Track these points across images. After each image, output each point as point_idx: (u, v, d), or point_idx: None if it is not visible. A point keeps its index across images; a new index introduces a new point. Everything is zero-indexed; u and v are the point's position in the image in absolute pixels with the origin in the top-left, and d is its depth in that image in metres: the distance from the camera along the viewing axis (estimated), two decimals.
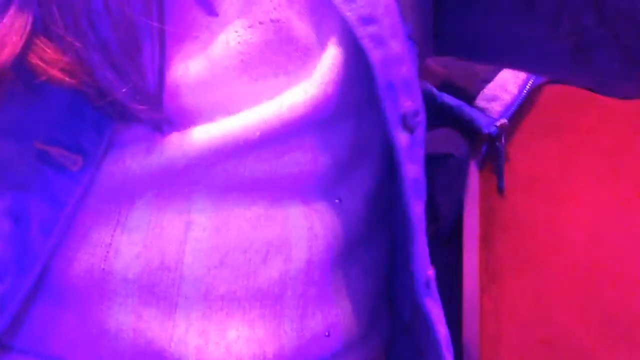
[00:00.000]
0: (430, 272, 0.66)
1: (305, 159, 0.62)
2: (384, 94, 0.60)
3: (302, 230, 0.63)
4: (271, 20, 0.60)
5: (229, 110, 0.59)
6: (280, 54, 0.60)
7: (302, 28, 0.60)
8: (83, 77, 0.55)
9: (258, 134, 0.59)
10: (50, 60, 0.55)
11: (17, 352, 0.62)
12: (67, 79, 0.55)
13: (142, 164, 0.59)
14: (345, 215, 0.65)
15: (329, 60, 0.60)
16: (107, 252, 0.60)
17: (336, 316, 0.66)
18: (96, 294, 0.60)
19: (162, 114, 0.57)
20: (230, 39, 0.59)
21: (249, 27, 0.59)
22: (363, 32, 0.59)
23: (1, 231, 0.60)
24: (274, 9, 0.60)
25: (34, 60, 0.54)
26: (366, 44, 0.59)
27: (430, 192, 1.10)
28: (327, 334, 0.65)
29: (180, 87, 0.58)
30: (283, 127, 0.60)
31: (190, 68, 0.59)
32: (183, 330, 0.61)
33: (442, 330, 0.66)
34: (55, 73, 0.54)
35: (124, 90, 0.55)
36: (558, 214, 1.02)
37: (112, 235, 0.60)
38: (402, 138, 0.61)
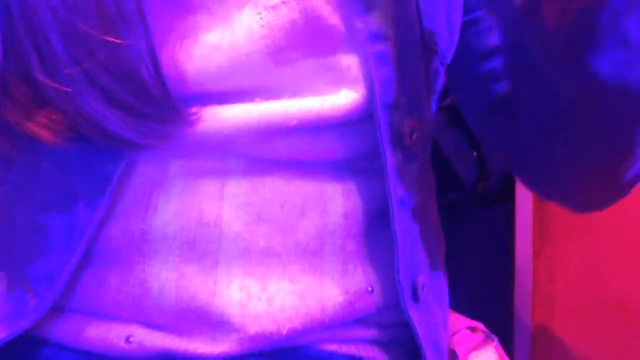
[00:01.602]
0: (421, 278, 0.66)
1: (339, 147, 0.63)
2: (379, 112, 0.61)
3: (337, 186, 0.64)
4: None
5: (269, 95, 0.60)
6: (307, 35, 0.60)
7: (329, 10, 0.60)
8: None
9: (295, 122, 0.60)
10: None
11: (69, 311, 0.63)
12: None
13: (177, 137, 0.59)
14: (378, 183, 0.65)
15: (358, 64, 0.61)
16: (146, 212, 0.61)
17: (377, 272, 0.66)
18: (138, 254, 0.61)
19: (179, 113, 0.58)
20: (253, 22, 0.59)
21: (272, 7, 0.59)
22: (371, 49, 0.60)
23: (50, 209, 0.61)
24: None
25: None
26: (371, 61, 0.61)
27: (479, 149, 1.10)
28: (370, 289, 0.66)
29: (202, 76, 0.58)
30: (321, 121, 0.61)
31: (210, 58, 0.58)
32: (225, 286, 0.62)
33: (425, 345, 0.66)
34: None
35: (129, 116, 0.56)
36: None
37: (149, 197, 0.61)
38: (392, 156, 0.62)
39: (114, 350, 0.62)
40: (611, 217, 1.01)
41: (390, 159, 0.62)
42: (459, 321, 0.85)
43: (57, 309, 0.63)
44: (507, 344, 0.87)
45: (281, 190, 0.62)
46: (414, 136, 0.64)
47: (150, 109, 0.57)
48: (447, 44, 0.67)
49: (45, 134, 0.57)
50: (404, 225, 0.64)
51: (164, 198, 0.61)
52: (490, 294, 1.08)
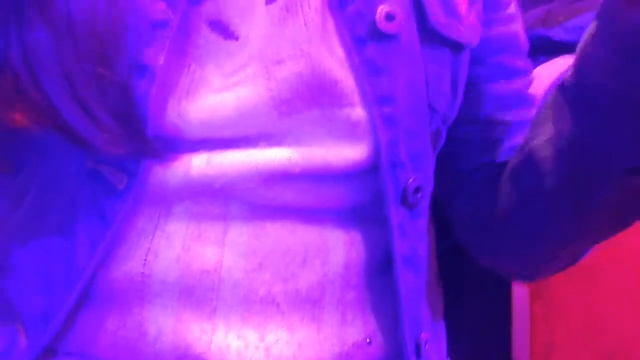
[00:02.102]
0: (424, 335, 0.66)
1: (342, 196, 0.64)
2: (384, 170, 0.63)
3: (340, 235, 0.64)
4: (301, 56, 0.60)
5: (273, 142, 0.61)
6: (313, 88, 0.61)
7: (336, 67, 0.61)
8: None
9: (299, 170, 0.61)
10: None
11: (62, 355, 0.62)
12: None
13: (182, 180, 0.60)
14: (381, 233, 0.65)
15: (364, 123, 0.62)
16: (147, 256, 0.61)
17: (377, 323, 0.66)
18: (137, 298, 0.61)
19: (153, 151, 0.59)
20: (259, 76, 0.60)
21: (278, 62, 0.60)
22: (377, 112, 0.62)
23: (50, 245, 0.61)
24: (305, 42, 0.61)
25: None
26: (379, 122, 0.62)
27: None
28: (368, 341, 0.65)
29: (208, 125, 0.59)
30: (325, 171, 0.62)
31: (217, 109, 0.59)
32: (223, 334, 0.61)
33: None
34: None
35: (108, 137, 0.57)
36: None
37: (152, 241, 0.61)
38: (397, 214, 0.64)
39: None
40: (610, 262, 1.00)
41: (395, 216, 0.64)
42: None
43: (50, 352, 0.62)
44: None
45: (284, 239, 0.62)
46: (419, 194, 0.65)
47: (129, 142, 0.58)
48: (450, 106, 0.69)
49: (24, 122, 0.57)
50: (407, 281, 0.65)
51: (165, 243, 0.61)
52: (488, 344, 1.07)
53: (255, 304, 0.62)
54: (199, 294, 0.61)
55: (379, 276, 0.66)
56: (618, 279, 1.01)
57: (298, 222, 0.63)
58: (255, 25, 0.60)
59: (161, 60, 0.57)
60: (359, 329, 0.65)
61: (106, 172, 0.59)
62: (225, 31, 0.60)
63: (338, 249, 0.64)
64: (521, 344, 1.03)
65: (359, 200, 0.65)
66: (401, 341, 0.65)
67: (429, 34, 0.66)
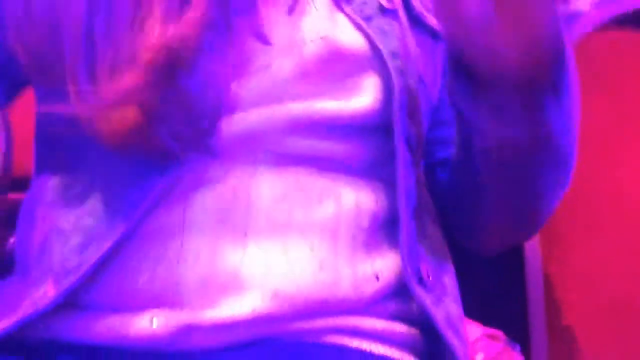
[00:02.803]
0: (424, 266, 0.73)
1: (354, 152, 0.73)
2: (396, 116, 0.72)
3: (350, 185, 0.73)
4: (321, 38, 0.72)
5: (295, 98, 0.71)
6: (333, 64, 0.72)
7: (353, 40, 0.73)
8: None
9: (317, 118, 0.71)
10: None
11: (88, 307, 0.68)
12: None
13: (218, 130, 0.69)
14: (388, 191, 0.73)
15: (377, 79, 0.73)
16: (187, 195, 0.69)
17: (382, 265, 0.72)
18: (179, 227, 0.69)
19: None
20: (288, 57, 0.71)
21: (302, 45, 0.72)
22: (392, 64, 0.73)
23: (96, 213, 0.69)
24: (321, 28, 0.73)
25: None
26: (393, 72, 0.73)
27: None
28: (377, 277, 0.72)
29: (248, 96, 0.70)
30: (340, 121, 0.72)
31: (252, 84, 0.70)
32: (253, 252, 0.69)
33: (438, 313, 0.73)
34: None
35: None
36: (615, 172, 1.01)
37: (189, 191, 0.69)
38: (404, 155, 0.73)
39: (136, 336, 0.67)
40: (619, 218, 1.02)
41: (401, 157, 0.72)
42: (476, 329, 0.85)
43: (74, 305, 0.68)
44: (524, 351, 0.87)
45: (302, 180, 0.71)
46: (419, 139, 0.74)
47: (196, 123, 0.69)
48: (432, 85, 0.79)
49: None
50: (408, 217, 0.72)
51: (200, 195, 0.69)
52: (503, 303, 1.08)
53: (280, 227, 0.70)
54: (232, 218, 0.69)
55: (386, 226, 0.73)
56: (625, 234, 1.02)
57: (314, 170, 0.72)
58: (280, 28, 0.73)
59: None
60: (367, 267, 0.72)
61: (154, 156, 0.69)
62: (264, 39, 0.72)
63: (349, 195, 0.72)
64: (536, 303, 1.05)
65: (368, 157, 0.73)
66: (404, 273, 0.71)
67: (414, 20, 0.79)
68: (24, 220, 0.75)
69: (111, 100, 0.67)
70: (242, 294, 0.68)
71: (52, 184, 0.74)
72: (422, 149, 0.77)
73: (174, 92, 0.69)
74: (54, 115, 0.72)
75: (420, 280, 0.73)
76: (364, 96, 0.72)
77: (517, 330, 0.90)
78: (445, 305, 0.75)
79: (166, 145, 0.68)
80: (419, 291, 0.72)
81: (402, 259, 0.72)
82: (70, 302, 0.69)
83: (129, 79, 0.67)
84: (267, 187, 0.71)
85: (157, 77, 0.68)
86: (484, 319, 0.88)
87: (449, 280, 0.78)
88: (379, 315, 0.73)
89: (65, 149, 0.74)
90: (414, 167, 0.75)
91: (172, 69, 0.68)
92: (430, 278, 0.74)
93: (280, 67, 0.71)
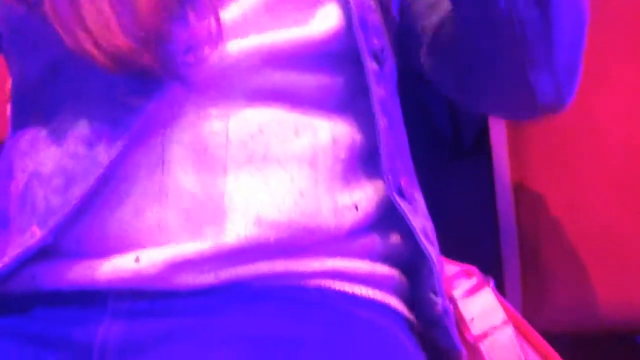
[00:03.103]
0: (403, 181, 0.76)
1: (324, 82, 0.76)
2: (358, 32, 0.75)
3: (325, 118, 0.75)
4: None
5: (259, 29, 0.74)
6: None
7: None
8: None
9: (285, 47, 0.74)
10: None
11: (73, 243, 0.70)
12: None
13: (193, 61, 0.71)
14: (362, 122, 0.77)
15: (337, 8, 0.76)
16: (164, 131, 0.71)
17: (360, 195, 0.75)
18: (159, 164, 0.71)
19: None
20: None
21: None
22: None
23: (75, 153, 0.70)
24: None
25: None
26: None
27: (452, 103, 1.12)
28: (356, 207, 0.74)
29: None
30: (306, 47, 0.75)
31: (226, 15, 0.73)
32: (233, 183, 0.71)
33: (416, 223, 0.76)
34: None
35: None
36: (589, 100, 1.00)
37: (166, 128, 0.72)
38: (373, 66, 0.76)
39: (121, 276, 0.68)
40: (594, 149, 1.02)
41: (370, 67, 0.75)
42: (452, 266, 0.85)
43: (59, 252, 0.70)
44: (498, 284, 0.87)
45: (277, 114, 0.74)
46: (384, 53, 0.78)
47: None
48: None
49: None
50: (384, 128, 0.76)
51: (177, 130, 0.72)
52: (476, 239, 1.09)
53: (259, 161, 0.72)
54: (211, 153, 0.71)
55: (365, 158, 0.76)
56: (599, 164, 1.03)
57: (289, 104, 0.74)
58: None
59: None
60: (346, 197, 0.74)
61: (130, 91, 0.70)
62: None
63: (324, 127, 0.75)
64: (509, 238, 1.05)
65: (341, 88, 0.77)
66: (385, 181, 0.75)
67: None
68: (1, 177, 0.75)
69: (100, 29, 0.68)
70: (225, 223, 0.70)
71: (27, 137, 0.74)
72: (393, 57, 0.80)
73: (161, 19, 0.69)
74: (33, 60, 0.74)
75: (400, 192, 0.75)
76: (325, 21, 0.75)
77: (490, 264, 0.90)
78: (420, 218, 0.78)
79: (149, 68, 0.69)
80: (399, 201, 0.75)
81: (383, 168, 0.75)
82: (55, 249, 0.69)
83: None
84: (243, 121, 0.73)
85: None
86: (458, 256, 0.89)
87: (420, 199, 0.80)
88: (361, 256, 0.75)
89: (39, 100, 0.74)
90: (386, 78, 0.78)
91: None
92: (408, 190, 0.76)
93: (246, 1, 0.74)
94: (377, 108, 0.75)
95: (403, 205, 0.75)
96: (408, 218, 0.75)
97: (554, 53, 0.78)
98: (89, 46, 0.68)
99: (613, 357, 1.18)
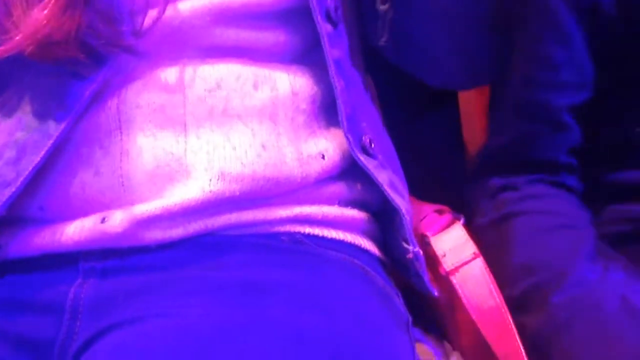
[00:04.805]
0: (367, 137, 0.76)
1: (280, 39, 0.76)
2: None
3: (284, 70, 0.76)
4: None
5: None
6: None
7: None
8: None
9: (238, 4, 0.73)
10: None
11: (36, 209, 0.70)
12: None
13: (145, 28, 0.71)
14: (320, 73, 0.76)
15: None
16: (118, 98, 0.71)
17: (326, 145, 0.76)
18: (117, 127, 0.71)
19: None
20: None
21: None
22: None
23: (26, 125, 0.70)
24: None
25: None
26: None
27: None
28: (322, 156, 0.75)
29: None
30: (257, 7, 0.74)
31: None
32: (194, 140, 0.71)
33: (382, 178, 0.76)
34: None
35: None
36: None
37: (120, 88, 0.71)
38: (326, 28, 0.75)
39: (88, 238, 0.68)
40: None
41: (324, 30, 0.75)
42: (425, 207, 0.86)
43: (21, 218, 0.70)
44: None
45: (234, 69, 0.73)
46: (338, 12, 0.77)
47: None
48: None
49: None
50: (341, 87, 0.75)
51: (131, 84, 0.71)
52: (447, 184, 1.10)
53: (219, 116, 0.72)
54: (168, 112, 0.71)
55: (328, 108, 0.76)
56: None
57: (246, 59, 0.74)
58: None
59: None
60: (312, 146, 0.75)
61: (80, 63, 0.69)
62: None
63: (283, 79, 0.75)
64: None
65: (297, 44, 0.76)
66: (346, 140, 0.74)
67: None
68: None
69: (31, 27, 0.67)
70: (190, 179, 0.70)
71: None
72: (348, 16, 0.79)
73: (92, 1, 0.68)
74: None
75: (364, 149, 0.75)
76: None
77: (461, 204, 0.91)
78: (388, 172, 0.77)
79: (89, 46, 0.68)
80: (362, 158, 0.75)
81: (343, 127, 0.74)
82: (17, 216, 0.70)
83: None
84: (199, 78, 0.72)
85: None
86: (430, 197, 0.90)
87: (389, 153, 0.81)
88: (330, 202, 0.76)
89: None
90: (342, 38, 0.77)
91: None
92: (373, 146, 0.76)
93: None
94: (332, 70, 0.74)
95: (366, 161, 0.75)
96: (372, 174, 0.75)
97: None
98: (17, 35, 0.67)
99: None
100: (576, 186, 0.85)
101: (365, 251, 0.77)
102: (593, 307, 0.73)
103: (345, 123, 0.74)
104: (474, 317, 0.78)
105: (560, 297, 0.74)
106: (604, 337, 0.71)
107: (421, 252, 0.78)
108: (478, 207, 0.87)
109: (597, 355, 0.71)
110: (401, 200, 0.77)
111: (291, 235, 0.72)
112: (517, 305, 0.77)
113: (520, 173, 0.84)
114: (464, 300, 0.79)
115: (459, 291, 0.79)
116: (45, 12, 0.67)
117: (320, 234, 0.74)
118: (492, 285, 0.79)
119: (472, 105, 1.04)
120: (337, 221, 0.75)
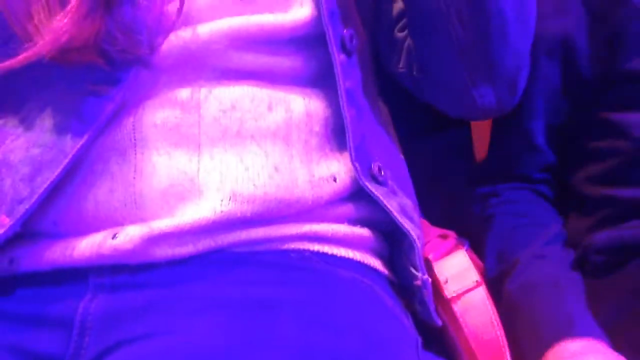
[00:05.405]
0: (377, 165, 0.77)
1: (296, 64, 0.77)
2: (326, 20, 0.75)
3: (299, 93, 0.76)
4: None
5: (233, 14, 0.75)
6: None
7: None
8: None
9: (255, 30, 0.75)
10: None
11: (50, 224, 0.71)
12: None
13: (163, 48, 0.72)
14: (333, 98, 0.77)
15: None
16: (135, 112, 0.72)
17: (338, 167, 0.76)
18: (131, 145, 0.71)
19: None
20: None
21: None
22: None
23: (43, 142, 0.71)
24: None
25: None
26: None
27: None
28: (334, 179, 0.75)
29: (192, 10, 0.74)
30: (277, 33, 0.75)
31: (191, 1, 0.74)
32: (208, 160, 0.71)
33: (392, 204, 0.77)
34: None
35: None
36: None
37: (137, 109, 0.72)
38: (340, 58, 0.76)
39: (102, 252, 0.68)
40: None
41: (337, 60, 0.76)
42: (430, 231, 0.87)
43: (35, 233, 0.70)
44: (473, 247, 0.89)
45: (249, 91, 0.74)
46: (354, 41, 0.78)
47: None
48: None
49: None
50: (352, 116, 0.76)
51: (148, 111, 0.72)
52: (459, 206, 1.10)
53: (232, 137, 0.72)
54: (183, 131, 0.72)
55: (338, 134, 0.77)
56: None
57: (261, 82, 0.75)
58: None
59: None
60: (324, 169, 0.75)
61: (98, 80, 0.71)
62: None
63: (298, 102, 0.75)
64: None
65: (312, 68, 0.77)
66: (354, 168, 0.75)
67: None
68: None
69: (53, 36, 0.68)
70: (201, 199, 0.70)
71: None
72: (362, 39, 0.80)
73: (113, 12, 0.69)
74: None
75: (373, 177, 0.76)
76: (296, 8, 0.76)
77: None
78: (399, 198, 0.78)
79: (109, 59, 0.69)
80: (370, 185, 0.75)
81: (350, 157, 0.75)
82: (31, 230, 0.70)
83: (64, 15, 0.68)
84: (215, 99, 0.73)
85: (92, 5, 0.68)
86: (437, 222, 0.91)
87: (402, 178, 0.81)
88: (339, 221, 0.76)
89: (6, 90, 0.74)
90: (355, 67, 0.78)
91: None
92: (383, 173, 0.77)
93: None
94: (343, 100, 0.75)
95: (375, 189, 0.75)
96: (382, 201, 0.75)
97: (494, 63, 0.80)
98: (39, 41, 0.68)
99: None
100: (550, 194, 0.96)
101: (374, 270, 0.77)
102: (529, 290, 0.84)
103: (353, 152, 0.75)
104: (473, 347, 0.78)
105: (513, 285, 0.85)
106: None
107: (430, 280, 0.78)
108: (469, 210, 0.96)
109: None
110: (411, 225, 0.77)
111: (300, 252, 0.73)
112: (494, 290, 0.84)
113: (504, 182, 0.96)
114: (465, 330, 0.79)
115: (460, 320, 0.80)
116: (66, 20, 0.68)
117: (330, 252, 0.74)
118: (493, 316, 0.79)
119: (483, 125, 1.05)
120: (346, 239, 0.76)
